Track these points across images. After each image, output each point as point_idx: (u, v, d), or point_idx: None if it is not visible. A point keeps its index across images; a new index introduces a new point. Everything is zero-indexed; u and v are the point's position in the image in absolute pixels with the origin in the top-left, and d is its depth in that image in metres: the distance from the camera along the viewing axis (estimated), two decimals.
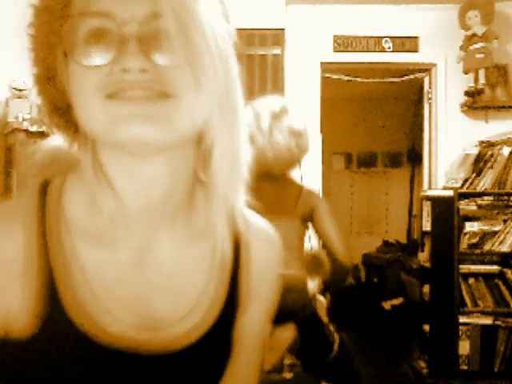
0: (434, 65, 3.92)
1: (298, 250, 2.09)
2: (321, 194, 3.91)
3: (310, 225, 2.16)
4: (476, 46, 3.63)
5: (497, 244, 3.52)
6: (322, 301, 2.02)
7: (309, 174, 3.82)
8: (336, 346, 1.94)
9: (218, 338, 0.64)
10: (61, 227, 0.58)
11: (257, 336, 0.69)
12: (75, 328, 0.55)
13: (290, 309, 1.86)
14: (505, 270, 3.50)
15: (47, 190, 0.60)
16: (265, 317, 0.70)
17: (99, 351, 0.56)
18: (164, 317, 0.60)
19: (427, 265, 3.65)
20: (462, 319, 3.50)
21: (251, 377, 0.70)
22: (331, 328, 1.98)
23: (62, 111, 0.60)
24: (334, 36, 3.89)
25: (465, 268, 3.52)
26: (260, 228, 0.70)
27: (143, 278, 0.60)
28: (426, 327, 3.62)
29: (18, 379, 0.55)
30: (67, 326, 0.55)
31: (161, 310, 0.60)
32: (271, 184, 2.03)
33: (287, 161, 2.02)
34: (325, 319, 1.98)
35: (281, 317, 1.92)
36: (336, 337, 1.96)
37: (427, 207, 3.71)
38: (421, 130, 4.31)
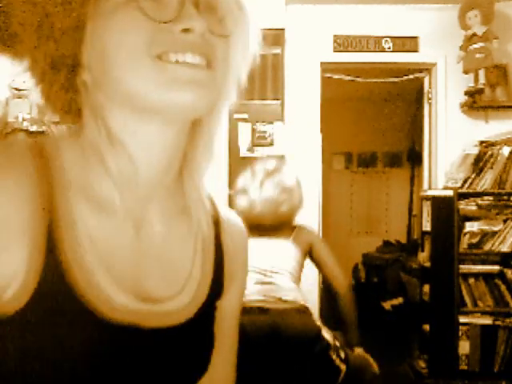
0: (434, 65, 3.92)
1: (295, 273, 2.16)
2: (321, 194, 3.91)
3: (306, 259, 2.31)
4: (476, 45, 3.63)
5: (497, 244, 3.51)
6: (328, 336, 2.01)
7: (309, 174, 3.82)
8: (341, 377, 1.92)
9: (208, 317, 0.65)
10: (65, 189, 0.55)
11: (235, 319, 0.72)
12: (80, 297, 0.53)
13: (303, 334, 1.89)
14: (505, 269, 3.50)
15: (43, 153, 0.56)
16: (240, 301, 0.72)
17: (102, 322, 0.54)
18: (159, 291, 0.60)
19: (427, 265, 3.65)
20: (461, 319, 3.50)
21: (233, 359, 0.72)
22: (339, 358, 1.96)
23: (67, 69, 0.56)
24: (334, 36, 3.89)
25: (465, 268, 3.52)
26: (230, 215, 0.72)
27: (140, 250, 0.60)
28: (426, 327, 3.62)
29: (14, 354, 0.52)
30: (71, 294, 0.53)
31: (156, 284, 0.60)
32: (263, 233, 2.19)
33: (274, 214, 2.19)
34: (333, 352, 1.97)
35: (294, 344, 1.91)
36: (342, 367, 1.94)
37: (427, 207, 3.71)
38: (421, 129, 4.31)
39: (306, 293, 2.16)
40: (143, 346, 0.58)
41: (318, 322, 2.00)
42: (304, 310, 1.97)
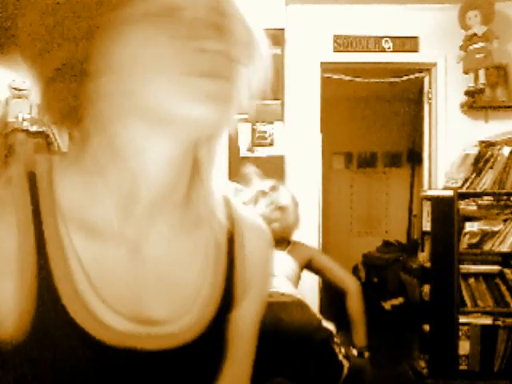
0: (434, 65, 3.92)
1: (291, 278, 2.18)
2: (321, 194, 3.91)
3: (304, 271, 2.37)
4: (476, 45, 3.63)
5: (497, 244, 3.51)
6: (330, 327, 2.02)
7: (309, 174, 3.83)
8: (344, 372, 1.93)
9: (217, 332, 0.63)
10: (56, 216, 0.55)
11: (251, 328, 0.69)
12: (75, 326, 0.53)
13: (304, 328, 1.90)
14: (505, 270, 3.50)
15: (35, 178, 0.56)
16: (258, 309, 0.70)
17: (99, 349, 0.54)
18: (162, 313, 0.59)
19: (427, 265, 3.65)
20: (461, 319, 3.50)
21: (247, 370, 0.70)
22: (341, 353, 1.97)
23: (73, 78, 0.55)
24: (334, 36, 3.89)
25: (465, 268, 3.52)
26: (250, 218, 0.70)
27: (140, 272, 0.59)
28: (426, 327, 3.62)
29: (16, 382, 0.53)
30: (66, 323, 0.53)
31: (159, 306, 0.59)
32: None
33: None
34: (336, 346, 1.98)
35: (297, 338, 1.91)
36: (345, 363, 1.95)
37: (427, 207, 3.71)
38: (421, 130, 4.31)
39: (306, 295, 2.16)
40: (143, 369, 0.57)
41: (318, 315, 2.02)
42: (302, 304, 1.99)
